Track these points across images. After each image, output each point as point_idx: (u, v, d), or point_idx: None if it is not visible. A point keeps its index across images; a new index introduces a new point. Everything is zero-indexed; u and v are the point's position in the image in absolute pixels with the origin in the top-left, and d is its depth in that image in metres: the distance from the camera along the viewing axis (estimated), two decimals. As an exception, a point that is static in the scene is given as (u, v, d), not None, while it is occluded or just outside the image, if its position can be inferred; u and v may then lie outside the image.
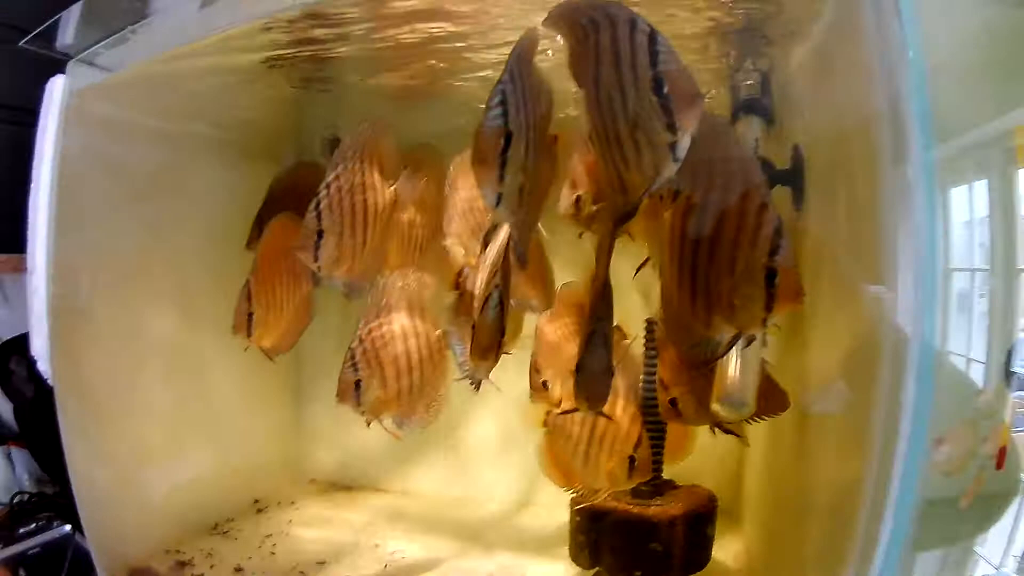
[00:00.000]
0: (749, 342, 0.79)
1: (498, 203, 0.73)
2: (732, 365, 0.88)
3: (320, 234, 1.04)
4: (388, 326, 1.06)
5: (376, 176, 1.08)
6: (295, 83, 1.24)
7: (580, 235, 1.06)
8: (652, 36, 0.69)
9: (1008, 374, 0.76)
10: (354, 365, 1.04)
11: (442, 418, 1.14)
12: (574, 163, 1.02)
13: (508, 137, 0.72)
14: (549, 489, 1.16)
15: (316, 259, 1.04)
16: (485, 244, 0.95)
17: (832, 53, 0.84)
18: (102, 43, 1.11)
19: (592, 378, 0.85)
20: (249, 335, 1.18)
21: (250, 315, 1.17)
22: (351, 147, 1.07)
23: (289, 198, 1.28)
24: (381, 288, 1.08)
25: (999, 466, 0.73)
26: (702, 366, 0.90)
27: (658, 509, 1.04)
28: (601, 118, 0.71)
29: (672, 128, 0.67)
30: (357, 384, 1.04)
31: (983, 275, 0.75)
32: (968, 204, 0.75)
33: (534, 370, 1.12)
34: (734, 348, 0.81)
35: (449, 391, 1.13)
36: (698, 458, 1.24)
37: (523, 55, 0.79)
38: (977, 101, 0.78)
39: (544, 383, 1.11)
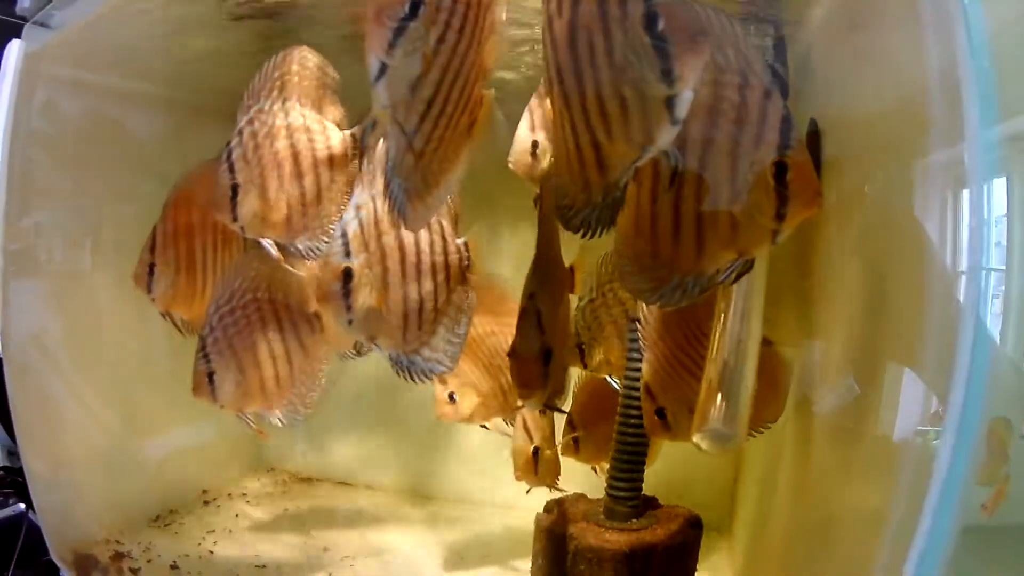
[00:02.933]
0: (747, 269, 0.65)
1: (380, 75, 0.60)
2: (718, 388, 0.73)
3: (235, 188, 0.89)
4: (241, 311, 0.94)
5: (309, 115, 0.92)
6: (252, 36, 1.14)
7: (535, 201, 0.92)
8: None
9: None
10: (206, 355, 0.94)
11: (415, 413, 1.08)
12: (532, 105, 0.88)
13: (415, 6, 0.60)
14: (518, 492, 1.11)
15: (235, 218, 0.90)
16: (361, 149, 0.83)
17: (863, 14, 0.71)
18: (53, 4, 1.06)
19: (526, 363, 0.78)
20: (149, 291, 1.04)
21: (151, 266, 1.04)
22: (266, 83, 0.92)
23: None
24: (231, 268, 0.97)
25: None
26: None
27: (632, 536, 0.91)
28: (574, 70, 0.56)
29: (669, 77, 0.53)
30: (211, 376, 0.94)
31: (998, 275, 0.66)
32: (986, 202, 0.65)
33: (439, 382, 1.02)
34: (721, 370, 0.68)
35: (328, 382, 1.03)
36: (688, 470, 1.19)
37: None
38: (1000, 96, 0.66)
39: (451, 395, 1.01)
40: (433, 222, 0.80)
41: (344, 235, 0.76)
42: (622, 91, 0.54)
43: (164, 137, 1.32)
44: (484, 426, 1.10)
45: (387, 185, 0.65)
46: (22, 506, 1.39)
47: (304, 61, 0.93)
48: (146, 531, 1.29)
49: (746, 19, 0.88)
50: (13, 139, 1.10)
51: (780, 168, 0.60)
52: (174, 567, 1.16)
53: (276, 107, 0.91)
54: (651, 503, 0.99)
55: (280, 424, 1.00)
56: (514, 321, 1.00)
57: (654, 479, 1.02)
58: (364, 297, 0.76)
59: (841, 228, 0.76)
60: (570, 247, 0.96)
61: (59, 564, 1.17)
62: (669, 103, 0.54)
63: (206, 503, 1.41)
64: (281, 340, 0.97)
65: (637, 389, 0.90)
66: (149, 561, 1.18)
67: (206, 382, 0.95)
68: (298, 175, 0.90)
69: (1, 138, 1.11)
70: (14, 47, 1.13)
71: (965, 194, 0.52)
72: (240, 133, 0.90)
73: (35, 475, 1.17)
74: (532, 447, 1.03)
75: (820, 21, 0.84)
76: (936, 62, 0.55)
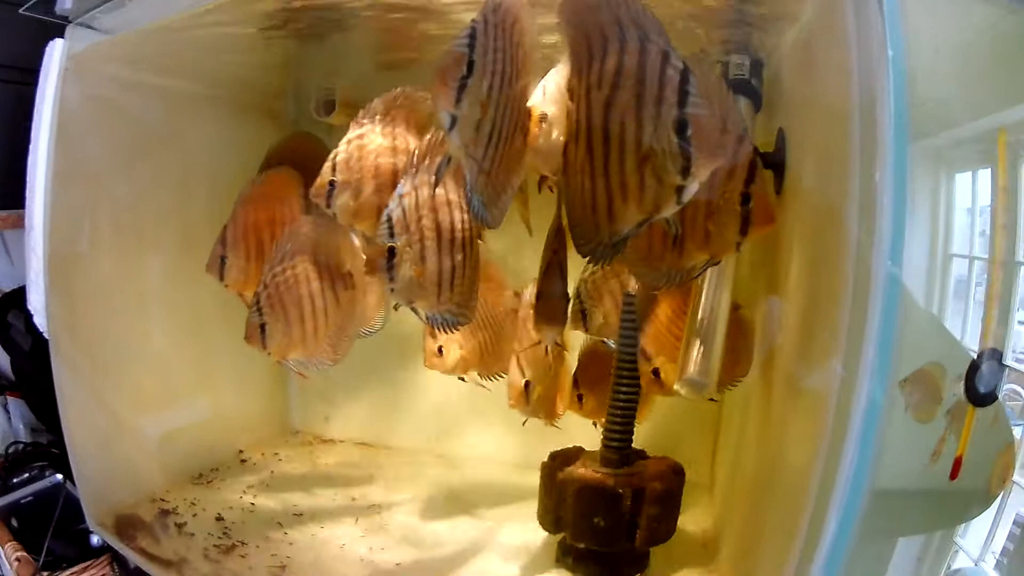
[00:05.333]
0: (714, 263, 0.84)
1: (451, 125, 0.72)
2: (695, 346, 0.90)
3: (332, 183, 1.05)
4: (292, 270, 1.10)
5: (412, 142, 1.06)
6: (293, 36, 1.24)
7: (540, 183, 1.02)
8: (684, 75, 0.67)
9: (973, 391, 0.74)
10: (259, 309, 1.08)
11: (429, 375, 1.23)
12: (546, 80, 0.93)
13: (470, 66, 0.72)
14: (532, 449, 1.22)
15: (328, 206, 1.06)
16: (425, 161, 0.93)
17: (815, 45, 0.84)
18: (100, 7, 1.12)
19: (551, 302, 0.95)
20: (221, 278, 1.20)
21: (222, 258, 1.19)
22: (378, 109, 1.07)
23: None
24: (286, 234, 1.11)
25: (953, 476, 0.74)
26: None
27: (622, 480, 1.05)
28: (605, 141, 0.69)
29: (686, 173, 0.66)
30: (263, 327, 1.08)
31: (982, 263, 0.76)
32: (971, 192, 0.76)
33: (428, 335, 1.18)
34: (698, 331, 0.85)
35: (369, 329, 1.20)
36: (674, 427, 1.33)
37: (510, 14, 0.78)
38: (984, 93, 0.79)
39: (439, 348, 1.17)
40: (463, 203, 0.94)
41: (389, 220, 0.90)
42: (641, 169, 0.68)
43: (210, 130, 1.43)
44: (462, 378, 1.25)
45: (468, 201, 0.78)
46: (59, 477, 1.46)
47: (412, 98, 1.08)
48: (189, 488, 1.39)
49: (730, 47, 1.03)
50: (59, 135, 1.17)
51: (745, 198, 0.78)
52: (219, 519, 1.26)
53: (385, 129, 1.06)
54: (640, 454, 1.13)
55: (315, 369, 1.15)
56: (495, 286, 1.19)
57: (647, 440, 1.16)
58: (405, 271, 0.90)
59: (795, 215, 0.89)
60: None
61: (97, 531, 1.25)
62: (679, 190, 0.68)
63: (243, 462, 1.53)
64: (322, 297, 1.11)
65: (629, 354, 1.05)
66: (195, 515, 1.28)
67: (258, 333, 1.09)
68: (392, 186, 1.02)
69: (47, 137, 1.19)
70: (57, 46, 1.19)
71: (880, 195, 0.63)
72: (348, 142, 1.06)
73: (77, 445, 1.24)
74: (524, 381, 1.16)
75: (787, 47, 0.98)
76: (859, 83, 0.66)
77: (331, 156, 1.06)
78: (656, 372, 1.02)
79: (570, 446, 1.17)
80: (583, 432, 1.23)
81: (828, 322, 0.72)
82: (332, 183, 1.05)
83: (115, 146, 1.28)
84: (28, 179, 1.26)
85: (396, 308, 0.98)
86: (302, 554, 1.17)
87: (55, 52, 1.19)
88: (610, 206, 0.71)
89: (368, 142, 1.06)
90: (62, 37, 1.19)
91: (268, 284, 1.09)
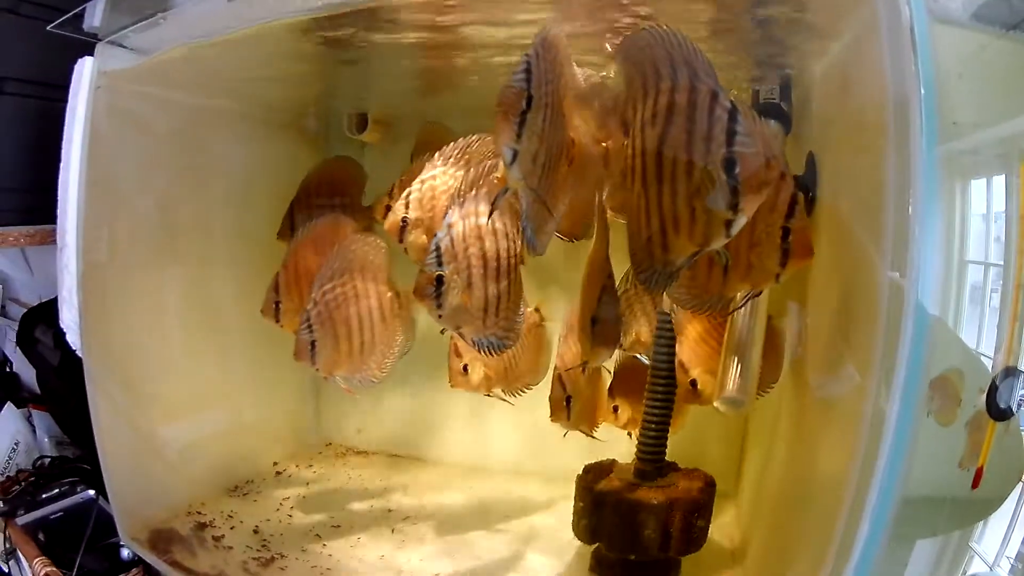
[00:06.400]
0: (756, 295, 0.87)
1: (513, 159, 0.75)
2: (733, 364, 0.93)
3: (405, 221, 1.10)
4: (340, 288, 1.13)
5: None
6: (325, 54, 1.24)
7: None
8: (732, 114, 0.70)
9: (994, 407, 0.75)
10: (309, 327, 1.10)
11: (460, 392, 1.24)
12: None
13: (529, 101, 0.74)
14: (564, 461, 1.23)
15: (401, 240, 1.11)
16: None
17: (850, 68, 0.87)
18: (131, 27, 1.12)
19: (608, 327, 0.96)
20: (277, 320, 1.22)
21: (277, 303, 1.22)
22: (452, 152, 1.11)
23: (322, 191, 1.34)
24: (335, 252, 1.14)
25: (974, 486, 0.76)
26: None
27: (656, 492, 1.08)
28: (658, 175, 0.73)
29: (734, 208, 0.69)
30: (313, 344, 1.10)
31: (997, 270, 0.76)
32: (986, 198, 0.76)
33: (454, 355, 1.21)
34: (735, 350, 0.88)
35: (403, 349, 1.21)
36: (701, 440, 1.35)
37: (554, 45, 0.80)
38: (1001, 101, 0.80)
39: (464, 367, 1.20)
40: (508, 231, 0.97)
41: (438, 248, 0.93)
42: (692, 203, 0.72)
43: (238, 147, 1.45)
44: (488, 394, 1.27)
45: (523, 229, 0.82)
46: (91, 492, 1.47)
47: (484, 143, 1.11)
48: (225, 501, 1.40)
49: (762, 65, 1.06)
50: (90, 154, 1.18)
51: (785, 232, 0.80)
52: (257, 531, 1.28)
53: (457, 172, 1.10)
54: (672, 466, 1.16)
55: (361, 385, 1.17)
56: None
57: (673, 449, 1.16)
58: (452, 298, 0.92)
59: (826, 233, 0.91)
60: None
61: (131, 545, 1.25)
62: (727, 223, 0.71)
63: (278, 474, 1.55)
64: (369, 315, 1.14)
65: (663, 370, 1.08)
66: (232, 528, 1.29)
67: (308, 349, 1.10)
68: None
69: (79, 156, 1.20)
70: (86, 64, 1.20)
71: (910, 204, 0.65)
72: (422, 182, 1.10)
73: (110, 460, 1.24)
74: (565, 396, 1.18)
75: (820, 74, 1.00)
76: (893, 102, 0.68)
77: (404, 194, 1.11)
78: (693, 383, 1.06)
79: (603, 459, 1.20)
80: (610, 441, 1.25)
81: (860, 340, 0.75)
82: (405, 220, 1.09)
83: (147, 162, 1.29)
84: (60, 198, 1.28)
85: (443, 332, 1.01)
86: (342, 565, 1.19)
87: (85, 70, 1.21)
88: (664, 237, 0.74)
89: (440, 184, 1.10)
90: (90, 54, 1.19)
91: (318, 301, 1.11)
